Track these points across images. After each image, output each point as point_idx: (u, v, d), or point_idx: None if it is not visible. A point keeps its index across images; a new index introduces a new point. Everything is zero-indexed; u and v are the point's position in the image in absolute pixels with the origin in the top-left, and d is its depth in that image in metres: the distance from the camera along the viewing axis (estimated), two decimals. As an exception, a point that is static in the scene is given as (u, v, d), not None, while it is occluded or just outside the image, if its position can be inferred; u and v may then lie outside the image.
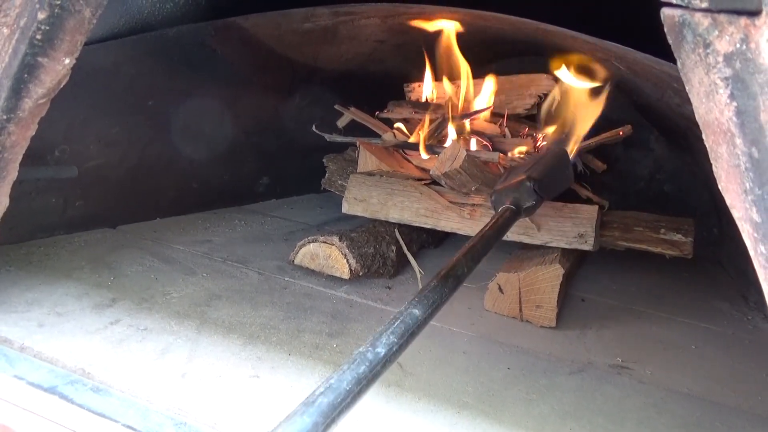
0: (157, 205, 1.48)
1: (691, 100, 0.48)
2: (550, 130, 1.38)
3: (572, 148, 1.23)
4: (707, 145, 0.49)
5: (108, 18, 1.18)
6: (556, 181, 0.96)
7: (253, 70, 1.54)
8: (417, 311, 0.54)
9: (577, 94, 1.35)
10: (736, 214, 0.46)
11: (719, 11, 0.43)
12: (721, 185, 0.48)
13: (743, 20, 0.42)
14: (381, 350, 0.49)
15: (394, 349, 0.49)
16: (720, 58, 0.44)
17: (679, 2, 0.45)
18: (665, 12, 0.47)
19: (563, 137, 1.26)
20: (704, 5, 0.44)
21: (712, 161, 0.49)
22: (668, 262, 1.33)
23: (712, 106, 0.46)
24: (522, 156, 1.34)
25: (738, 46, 0.42)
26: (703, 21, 0.44)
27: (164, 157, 1.44)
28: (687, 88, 0.48)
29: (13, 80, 0.74)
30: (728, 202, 0.47)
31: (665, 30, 0.48)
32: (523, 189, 0.85)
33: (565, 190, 1.13)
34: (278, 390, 0.81)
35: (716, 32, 0.44)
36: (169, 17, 1.28)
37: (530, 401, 0.87)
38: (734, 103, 0.43)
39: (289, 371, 0.86)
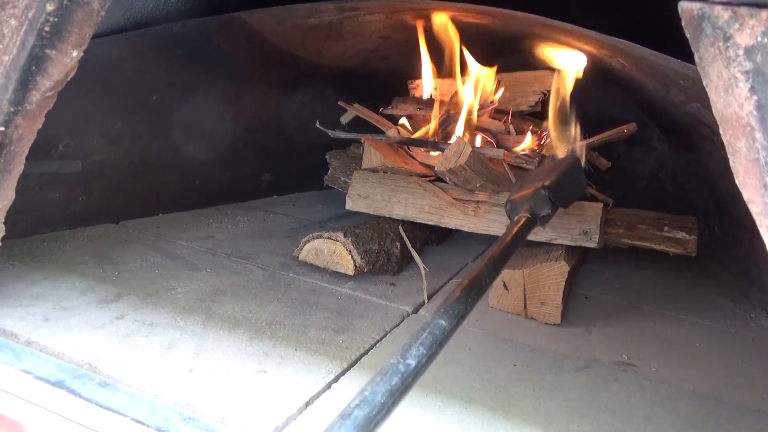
0: (160, 201, 1.48)
1: (709, 94, 0.48)
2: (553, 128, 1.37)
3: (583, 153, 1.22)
4: (725, 140, 0.48)
5: (112, 12, 1.18)
6: (570, 189, 0.96)
7: (256, 65, 1.54)
8: (444, 322, 0.54)
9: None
10: (755, 209, 0.46)
11: (739, 4, 0.43)
12: (739, 180, 0.48)
13: (764, 13, 0.42)
14: (412, 362, 0.49)
15: (424, 360, 0.50)
16: (740, 52, 0.43)
17: (699, -5, 0.45)
18: (683, 5, 0.47)
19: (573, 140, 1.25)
20: (724, -2, 0.44)
21: (729, 156, 0.48)
22: (670, 260, 1.34)
23: (731, 100, 0.45)
24: (526, 154, 1.34)
25: (759, 39, 0.42)
26: (723, 14, 0.44)
27: (167, 153, 1.44)
28: (704, 82, 0.48)
29: (21, 72, 0.73)
30: (746, 197, 0.47)
31: (683, 23, 0.48)
32: (538, 198, 0.84)
33: (578, 198, 1.12)
34: (286, 385, 0.81)
35: (737, 25, 0.43)
36: (173, 12, 1.27)
37: (537, 398, 0.87)
38: (755, 97, 0.43)
39: (296, 367, 0.86)
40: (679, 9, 0.48)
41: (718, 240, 1.74)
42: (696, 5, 0.46)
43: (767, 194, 0.44)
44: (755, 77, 0.43)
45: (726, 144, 0.48)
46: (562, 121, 1.29)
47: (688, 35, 0.48)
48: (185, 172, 1.52)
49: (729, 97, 0.45)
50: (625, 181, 1.93)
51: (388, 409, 0.45)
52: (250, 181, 1.75)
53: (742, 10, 0.43)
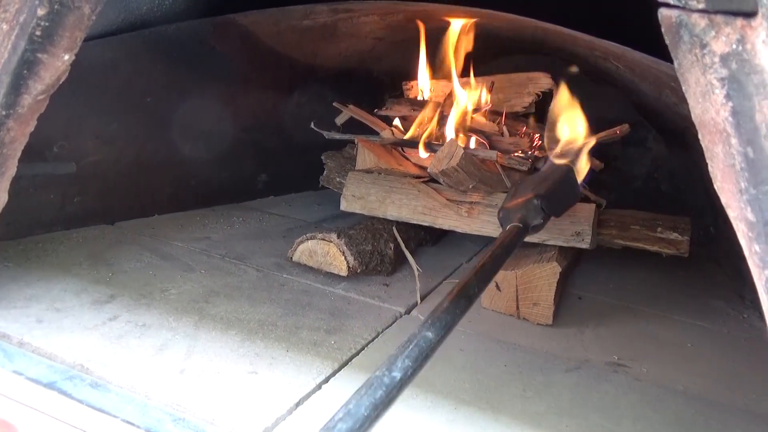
0: (155, 202, 1.48)
1: (688, 100, 0.49)
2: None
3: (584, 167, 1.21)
4: (703, 145, 0.49)
5: (106, 14, 1.18)
6: (563, 198, 0.96)
7: (252, 67, 1.55)
8: (430, 334, 0.55)
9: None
10: (731, 213, 0.47)
11: (716, 12, 0.44)
12: (717, 185, 0.48)
13: (739, 21, 0.42)
14: (397, 374, 0.50)
15: (409, 373, 0.50)
16: (716, 59, 0.44)
17: (676, 3, 0.45)
18: (662, 12, 0.48)
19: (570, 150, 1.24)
20: (701, 6, 0.44)
21: (707, 161, 0.49)
22: (664, 260, 1.34)
23: (708, 106, 0.46)
24: (519, 155, 1.35)
25: (734, 46, 0.43)
26: (700, 22, 0.45)
27: (162, 153, 1.44)
28: (683, 88, 0.49)
29: (12, 76, 0.74)
30: (723, 201, 0.48)
31: (662, 30, 0.49)
32: (530, 207, 0.84)
33: (571, 206, 1.11)
34: (276, 386, 0.81)
35: (713, 33, 0.44)
36: (168, 14, 1.28)
37: (527, 398, 0.87)
38: (730, 104, 0.44)
39: (288, 368, 0.87)
40: (659, 16, 0.48)
41: (713, 240, 1.74)
42: (674, 12, 0.47)
43: (743, 199, 0.44)
44: (730, 84, 0.43)
45: (704, 149, 0.49)
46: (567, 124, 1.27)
47: (667, 42, 0.49)
48: (180, 173, 1.52)
49: (706, 103, 0.46)
50: (620, 182, 1.94)
51: (371, 422, 0.46)
52: (247, 182, 1.76)
53: (718, 18, 0.43)
